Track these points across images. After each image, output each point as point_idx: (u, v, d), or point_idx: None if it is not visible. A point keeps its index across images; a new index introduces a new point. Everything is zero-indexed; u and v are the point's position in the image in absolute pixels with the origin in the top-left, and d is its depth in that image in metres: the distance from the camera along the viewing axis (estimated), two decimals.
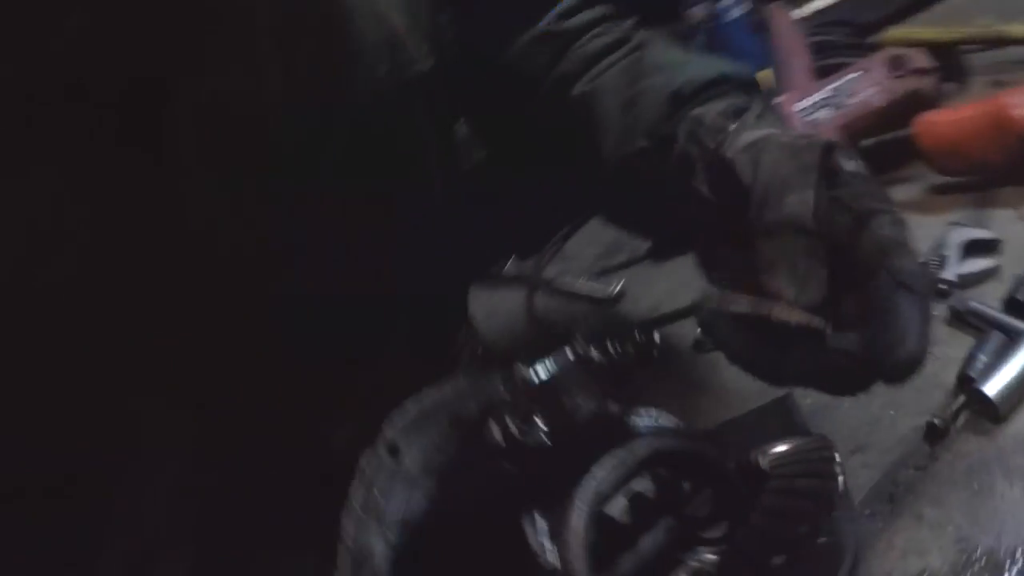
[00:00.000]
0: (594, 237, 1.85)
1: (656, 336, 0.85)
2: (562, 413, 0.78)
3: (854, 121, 1.56)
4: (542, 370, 0.79)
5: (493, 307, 1.83)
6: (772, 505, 0.78)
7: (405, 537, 0.80)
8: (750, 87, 1.04)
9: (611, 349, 0.80)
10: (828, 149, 0.80)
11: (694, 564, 0.79)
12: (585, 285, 1.70)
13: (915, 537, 0.92)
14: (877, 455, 1.04)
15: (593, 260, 1.79)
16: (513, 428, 0.73)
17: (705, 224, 0.93)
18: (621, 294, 1.63)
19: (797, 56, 1.72)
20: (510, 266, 1.89)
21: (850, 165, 0.81)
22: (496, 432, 0.74)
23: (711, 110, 0.96)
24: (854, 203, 0.78)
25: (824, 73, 1.68)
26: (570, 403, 0.78)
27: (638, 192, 1.08)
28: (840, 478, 0.79)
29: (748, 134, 0.86)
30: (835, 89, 1.59)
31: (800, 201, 0.77)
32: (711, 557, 0.79)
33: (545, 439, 0.75)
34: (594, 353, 0.80)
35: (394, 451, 0.81)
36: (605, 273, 1.72)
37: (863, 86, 1.57)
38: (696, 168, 0.93)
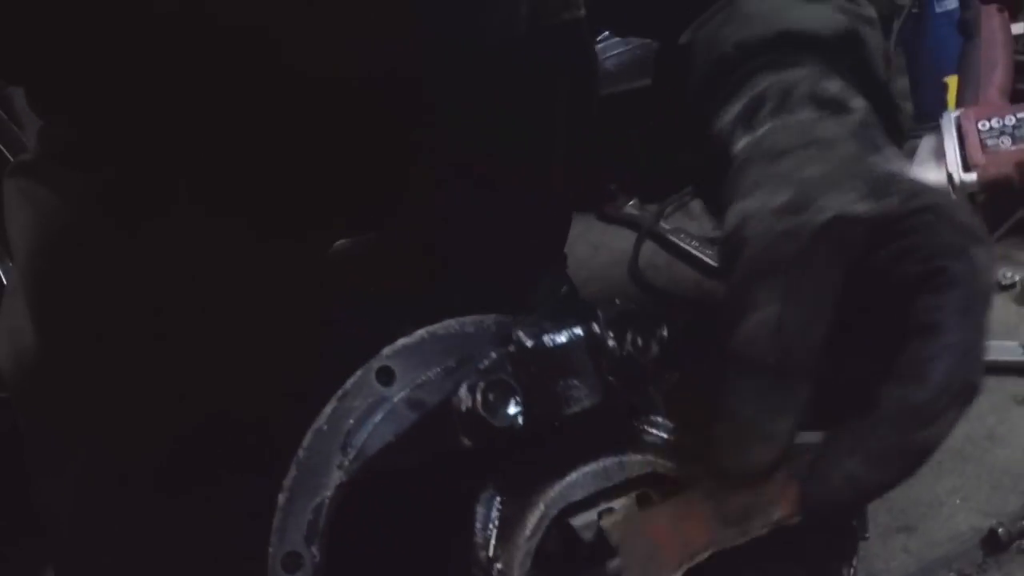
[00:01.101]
0: None
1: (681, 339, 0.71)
2: (550, 397, 0.65)
3: None
4: (545, 340, 0.65)
5: (601, 243, 1.74)
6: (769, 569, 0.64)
7: (363, 472, 0.70)
8: (827, 46, 0.76)
9: (631, 340, 0.66)
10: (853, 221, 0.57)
11: None
12: (696, 248, 1.56)
13: None
14: (923, 543, 0.92)
15: (716, 224, 1.62)
16: (479, 400, 0.61)
17: None
18: None
19: (998, 69, 1.49)
20: (631, 207, 1.78)
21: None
22: (462, 399, 0.62)
23: (731, 110, 0.76)
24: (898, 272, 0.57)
25: (1019, 98, 1.49)
26: (564, 388, 0.65)
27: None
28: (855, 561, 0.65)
29: (746, 178, 0.66)
30: None
31: (759, 323, 0.57)
32: None
33: (515, 422, 0.63)
34: (610, 339, 0.66)
35: (387, 376, 0.70)
36: None
37: None
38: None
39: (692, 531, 0.64)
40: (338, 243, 1.23)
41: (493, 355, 0.65)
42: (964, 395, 0.55)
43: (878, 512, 0.88)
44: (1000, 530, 0.87)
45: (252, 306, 0.97)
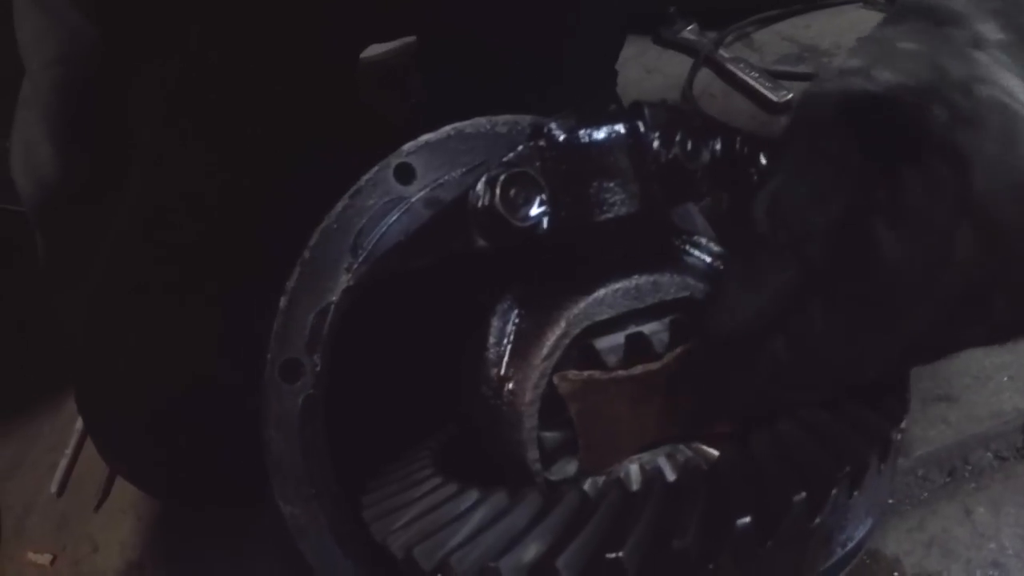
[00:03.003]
0: (791, 35, 1.55)
1: (763, 158, 0.62)
2: (581, 200, 0.56)
3: None
4: (581, 134, 0.56)
5: (655, 67, 1.62)
6: (811, 420, 0.56)
7: (373, 276, 0.63)
8: None
9: (679, 144, 0.57)
10: None
11: (686, 453, 0.60)
12: (755, 80, 1.43)
13: (952, 532, 0.75)
14: (963, 417, 0.84)
15: (778, 58, 1.50)
16: (498, 195, 0.53)
17: None
18: (790, 105, 1.37)
19: None
20: (690, 31, 1.64)
21: None
22: (480, 194, 0.54)
23: None
24: None
25: None
26: (598, 191, 0.57)
27: None
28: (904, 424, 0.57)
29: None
30: None
31: (764, 192, 0.54)
32: (709, 451, 0.60)
33: (539, 224, 0.55)
34: (655, 140, 0.57)
35: (406, 174, 0.63)
36: (784, 77, 1.44)
37: None
38: None
39: (649, 419, 0.60)
40: (368, 51, 1.13)
41: (520, 148, 0.56)
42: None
43: (921, 377, 0.81)
44: None
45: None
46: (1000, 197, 0.45)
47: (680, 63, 1.57)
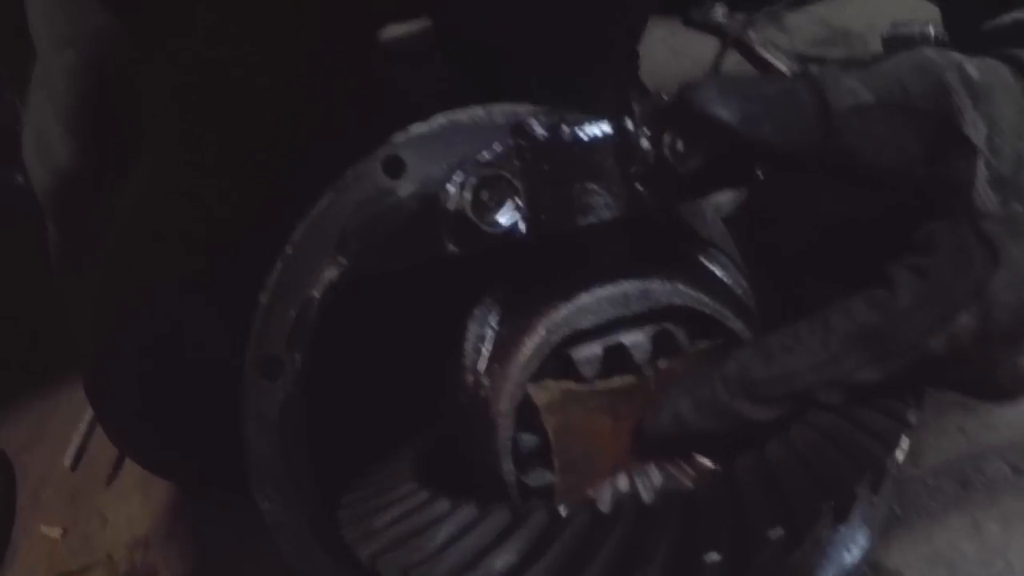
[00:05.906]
0: (824, 17, 1.50)
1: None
2: (562, 202, 0.54)
3: None
4: (562, 132, 0.53)
5: (682, 49, 1.58)
6: (800, 443, 0.53)
7: (356, 270, 0.61)
8: None
9: (669, 143, 0.53)
10: None
11: (681, 468, 0.58)
12: (785, 64, 1.39)
13: (959, 546, 0.72)
14: (980, 425, 0.80)
15: (809, 44, 1.45)
16: (468, 199, 0.50)
17: None
18: None
19: None
20: (718, 11, 1.59)
21: None
22: (451, 197, 0.52)
23: None
24: None
25: None
26: (580, 193, 0.54)
27: None
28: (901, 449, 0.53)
29: None
30: None
31: None
32: (704, 463, 0.57)
33: (514, 230, 0.53)
34: (644, 138, 0.54)
35: (396, 167, 0.60)
36: (815, 62, 1.39)
37: None
38: None
39: (629, 440, 0.57)
40: (385, 31, 1.10)
41: (497, 147, 0.53)
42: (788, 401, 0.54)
43: None
44: None
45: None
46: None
47: (710, 46, 1.53)
